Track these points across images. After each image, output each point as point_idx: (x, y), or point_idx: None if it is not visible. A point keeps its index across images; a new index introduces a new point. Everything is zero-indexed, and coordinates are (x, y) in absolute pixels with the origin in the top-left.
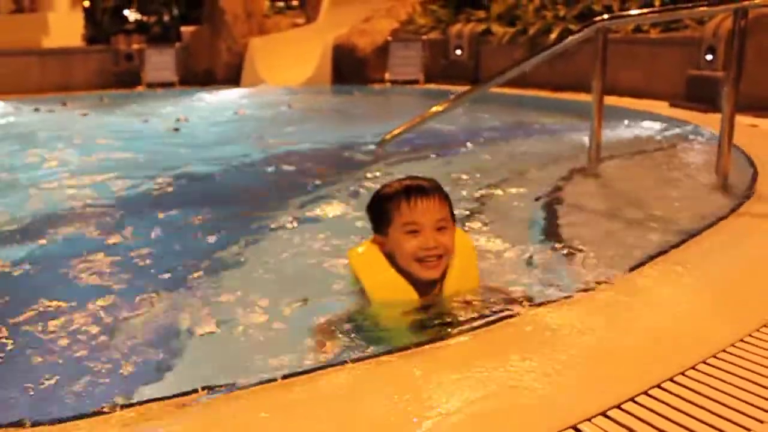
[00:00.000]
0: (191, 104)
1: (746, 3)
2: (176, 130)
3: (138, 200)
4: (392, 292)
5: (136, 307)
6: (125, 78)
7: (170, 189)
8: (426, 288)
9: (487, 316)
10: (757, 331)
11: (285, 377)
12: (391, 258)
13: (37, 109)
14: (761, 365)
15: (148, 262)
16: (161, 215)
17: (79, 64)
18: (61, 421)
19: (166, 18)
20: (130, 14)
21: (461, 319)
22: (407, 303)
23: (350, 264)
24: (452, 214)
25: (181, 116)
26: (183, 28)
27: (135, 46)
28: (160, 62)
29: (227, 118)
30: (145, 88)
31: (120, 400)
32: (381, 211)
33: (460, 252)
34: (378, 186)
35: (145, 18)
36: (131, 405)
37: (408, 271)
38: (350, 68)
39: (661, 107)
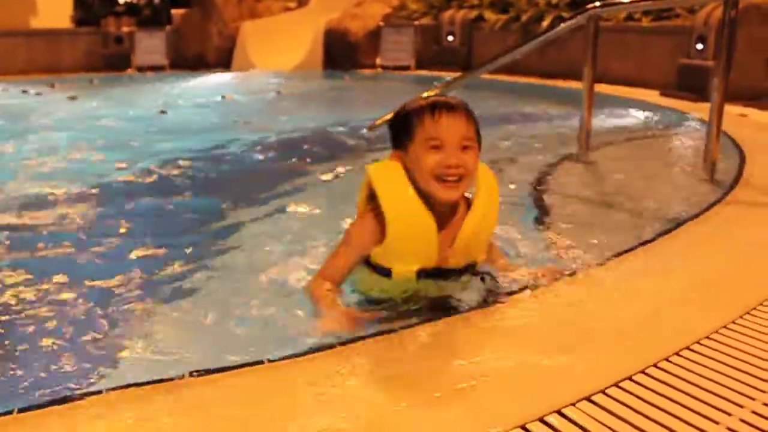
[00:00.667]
0: (180, 88)
1: None
2: (163, 112)
3: (120, 184)
4: (410, 217)
5: (117, 291)
6: (115, 61)
7: (154, 173)
8: (445, 218)
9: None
10: (741, 318)
11: (271, 361)
12: (410, 176)
13: (24, 91)
14: (743, 351)
15: (129, 245)
16: (143, 199)
17: (68, 46)
18: (41, 406)
19: (156, 1)
20: None
21: (446, 304)
22: (424, 235)
23: (368, 176)
24: (479, 136)
25: (169, 100)
26: (173, 11)
27: (125, 29)
28: (151, 45)
29: (215, 103)
30: (135, 72)
31: (98, 385)
32: (404, 124)
33: (485, 187)
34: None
35: (135, 0)
36: (112, 389)
37: (427, 191)
38: (342, 53)
39: (652, 96)
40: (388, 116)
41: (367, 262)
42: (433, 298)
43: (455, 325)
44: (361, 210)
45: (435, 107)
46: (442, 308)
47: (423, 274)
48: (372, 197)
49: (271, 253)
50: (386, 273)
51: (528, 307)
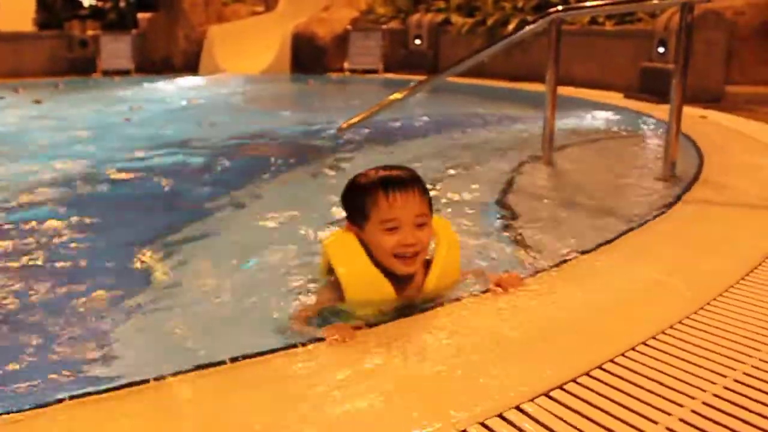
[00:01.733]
0: (146, 92)
1: None
2: (127, 120)
3: (86, 189)
4: (368, 286)
5: (81, 295)
6: (79, 65)
7: (118, 178)
8: (403, 282)
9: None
10: (695, 313)
11: (233, 360)
12: (367, 249)
13: None
14: (699, 346)
15: (93, 250)
16: (108, 204)
17: (30, 50)
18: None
19: (122, 4)
20: None
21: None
22: (383, 298)
23: (326, 253)
24: (430, 207)
25: (133, 105)
26: (139, 15)
27: (90, 33)
28: (116, 49)
29: (181, 107)
30: (101, 76)
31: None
32: (357, 203)
33: (444, 242)
34: (334, 175)
35: (100, 3)
36: (84, 395)
37: (384, 265)
38: (309, 57)
39: (616, 98)
40: (355, 119)
41: None
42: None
43: (414, 324)
44: (321, 283)
45: (388, 187)
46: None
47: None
48: (331, 267)
49: (236, 256)
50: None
51: (488, 305)
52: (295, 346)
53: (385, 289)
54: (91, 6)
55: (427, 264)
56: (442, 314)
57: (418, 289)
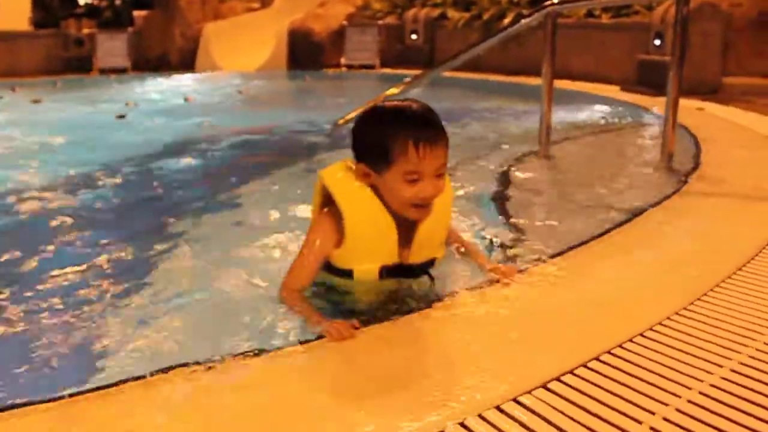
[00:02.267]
0: (143, 90)
1: None
2: (122, 117)
3: (79, 189)
4: (368, 213)
5: (75, 295)
6: (75, 64)
7: (117, 176)
8: (408, 225)
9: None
10: (691, 304)
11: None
12: (376, 191)
13: None
14: (695, 337)
15: (90, 248)
16: (105, 202)
17: (26, 49)
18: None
19: (117, 2)
20: None
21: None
22: (384, 244)
23: (324, 186)
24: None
25: (129, 102)
26: (135, 13)
27: (86, 31)
28: (113, 47)
29: (178, 105)
30: (98, 74)
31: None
32: (380, 146)
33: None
34: None
35: (96, 2)
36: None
37: (393, 209)
38: (306, 53)
39: (613, 91)
40: (352, 115)
41: (327, 267)
42: (393, 295)
43: (411, 320)
44: (316, 216)
45: (420, 139)
46: (402, 304)
47: (384, 272)
48: (326, 203)
49: (232, 254)
50: (347, 274)
51: (486, 297)
52: (295, 344)
53: (385, 219)
54: (87, 4)
55: None
56: (440, 307)
57: (415, 228)
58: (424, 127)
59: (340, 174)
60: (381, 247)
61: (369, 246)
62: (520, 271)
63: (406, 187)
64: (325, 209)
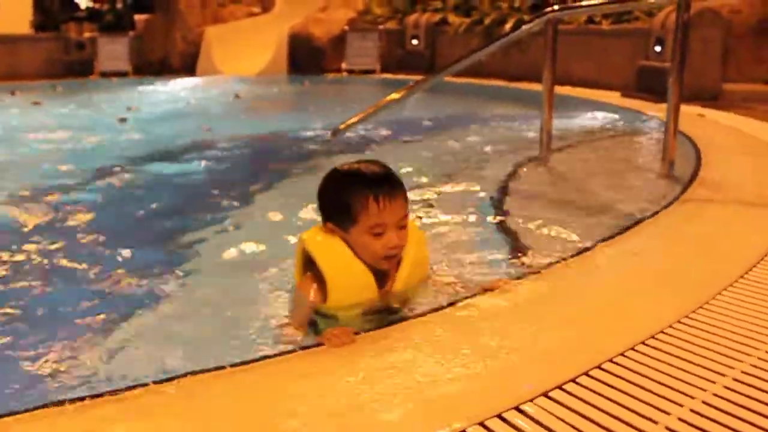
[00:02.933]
0: (143, 94)
1: None
2: (122, 120)
3: (85, 192)
4: (353, 280)
5: (72, 301)
6: (77, 67)
7: (116, 181)
8: (381, 277)
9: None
10: (694, 312)
11: (234, 365)
12: (350, 247)
13: None
14: (697, 345)
15: (91, 253)
16: (105, 207)
17: (27, 53)
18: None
19: (118, 6)
20: (82, 1)
21: (406, 311)
22: (365, 294)
23: (305, 249)
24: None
25: (133, 106)
26: (136, 17)
27: (87, 35)
28: (113, 51)
29: (178, 108)
30: (99, 78)
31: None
32: (343, 205)
33: (413, 241)
34: None
35: (97, 5)
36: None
37: (367, 262)
38: (306, 58)
39: (613, 97)
40: (352, 120)
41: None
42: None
43: (408, 328)
44: (298, 276)
45: (378, 194)
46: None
47: (366, 314)
48: (308, 263)
49: (231, 261)
50: (332, 318)
51: (489, 303)
52: (293, 351)
53: (370, 284)
54: (87, 8)
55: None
56: (438, 319)
57: (392, 282)
58: (381, 183)
59: (319, 237)
60: (362, 303)
61: (351, 299)
62: (517, 278)
63: (372, 241)
64: (308, 273)
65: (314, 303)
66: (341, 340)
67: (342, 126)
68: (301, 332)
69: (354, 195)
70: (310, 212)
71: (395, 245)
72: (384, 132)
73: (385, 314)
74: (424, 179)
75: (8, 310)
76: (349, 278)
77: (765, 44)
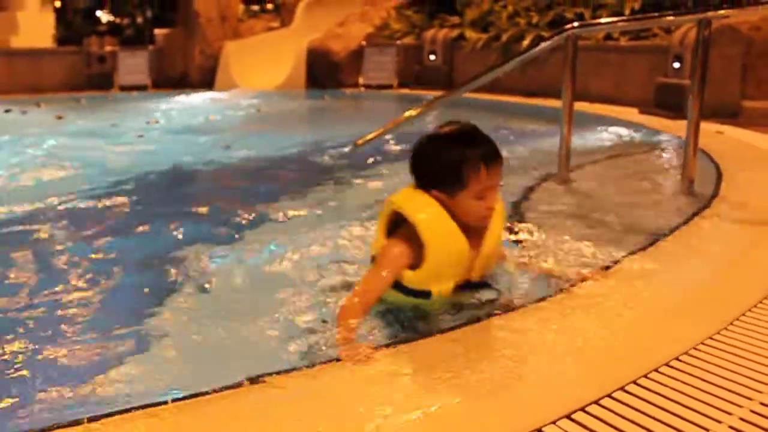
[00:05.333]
0: (164, 107)
1: (710, 14)
2: (140, 136)
3: (96, 206)
4: (449, 241)
5: (94, 314)
6: (97, 80)
7: (135, 196)
8: (470, 237)
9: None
10: (718, 333)
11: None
12: (448, 211)
13: (8, 110)
14: (722, 368)
15: (108, 267)
16: (122, 222)
17: (50, 66)
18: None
19: (139, 20)
20: (103, 15)
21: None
22: (459, 252)
23: (397, 207)
24: None
25: (151, 119)
26: (156, 31)
27: (108, 48)
28: (134, 65)
29: (197, 122)
30: (118, 91)
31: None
32: (454, 172)
33: (497, 207)
34: (351, 193)
35: (117, 20)
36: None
37: (464, 222)
38: (324, 72)
39: (631, 114)
40: (371, 135)
41: (398, 286)
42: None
43: (431, 343)
44: (381, 239)
45: (489, 161)
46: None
47: (456, 289)
48: (393, 227)
49: (254, 278)
50: (424, 294)
51: (519, 321)
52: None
53: (462, 245)
54: (109, 22)
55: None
56: (460, 335)
57: (480, 247)
58: (488, 148)
59: (416, 202)
60: (456, 268)
61: (447, 268)
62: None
63: (477, 203)
64: (399, 233)
65: (406, 263)
66: (359, 355)
67: (360, 141)
68: (358, 319)
69: (466, 162)
70: (334, 226)
71: (494, 205)
72: (404, 147)
73: (469, 291)
74: None
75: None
76: (447, 239)
77: None
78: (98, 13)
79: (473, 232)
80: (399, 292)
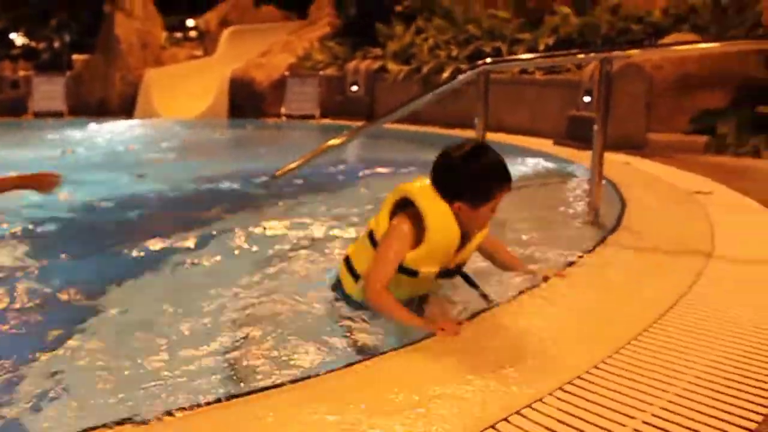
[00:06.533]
0: (80, 136)
1: (613, 53)
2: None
3: (14, 239)
4: (446, 229)
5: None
6: (9, 106)
7: (38, 228)
8: (464, 240)
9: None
10: (610, 357)
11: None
12: (456, 215)
13: None
14: (613, 390)
15: (20, 298)
16: (22, 257)
17: None
18: None
19: (56, 44)
20: (17, 38)
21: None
22: (449, 250)
23: (407, 194)
24: None
25: (67, 149)
26: (75, 56)
27: (22, 73)
28: (49, 91)
29: (115, 151)
30: (33, 117)
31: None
32: (483, 187)
33: None
34: (267, 224)
35: (33, 43)
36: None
37: (471, 230)
38: (247, 102)
39: (546, 145)
40: (290, 165)
41: None
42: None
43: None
44: (384, 222)
45: (509, 182)
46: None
47: (439, 274)
48: (395, 211)
49: (159, 311)
50: (413, 273)
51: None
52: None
53: (456, 236)
54: (24, 45)
55: None
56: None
57: (465, 248)
58: (508, 173)
59: (428, 195)
60: (444, 256)
61: (438, 254)
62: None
63: (487, 215)
64: (405, 215)
65: (412, 241)
66: (455, 331)
67: (279, 172)
68: (399, 313)
69: (496, 183)
70: (248, 258)
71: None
72: (323, 178)
73: (448, 275)
74: (362, 224)
75: None
76: (446, 231)
77: (684, 97)
78: (12, 35)
79: (464, 232)
80: None
